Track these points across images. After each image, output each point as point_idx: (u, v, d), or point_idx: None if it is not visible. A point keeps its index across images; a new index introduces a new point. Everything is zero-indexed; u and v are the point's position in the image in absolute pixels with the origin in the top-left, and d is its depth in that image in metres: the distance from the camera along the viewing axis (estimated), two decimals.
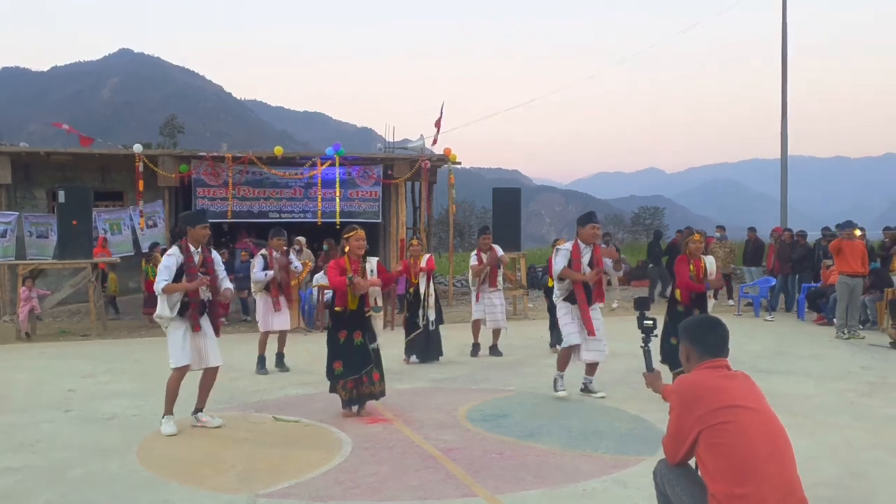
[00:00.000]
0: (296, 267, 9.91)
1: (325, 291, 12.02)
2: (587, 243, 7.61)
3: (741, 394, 3.23)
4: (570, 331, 7.56)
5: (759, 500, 2.99)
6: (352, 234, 7.09)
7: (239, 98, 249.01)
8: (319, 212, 17.23)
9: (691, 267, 7.91)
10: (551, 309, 7.94)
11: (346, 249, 7.09)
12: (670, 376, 7.22)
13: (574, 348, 7.59)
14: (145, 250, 16.02)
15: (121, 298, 16.72)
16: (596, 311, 7.72)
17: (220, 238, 19.35)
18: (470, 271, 10.71)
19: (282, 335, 9.53)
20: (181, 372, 6.47)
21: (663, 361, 7.58)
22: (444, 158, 17.86)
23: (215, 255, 6.77)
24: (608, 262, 8.03)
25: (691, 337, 3.47)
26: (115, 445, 6.08)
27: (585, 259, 7.56)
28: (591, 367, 7.77)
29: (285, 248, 9.92)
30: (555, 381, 7.69)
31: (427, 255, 10.27)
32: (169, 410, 6.44)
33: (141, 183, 16.24)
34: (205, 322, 6.57)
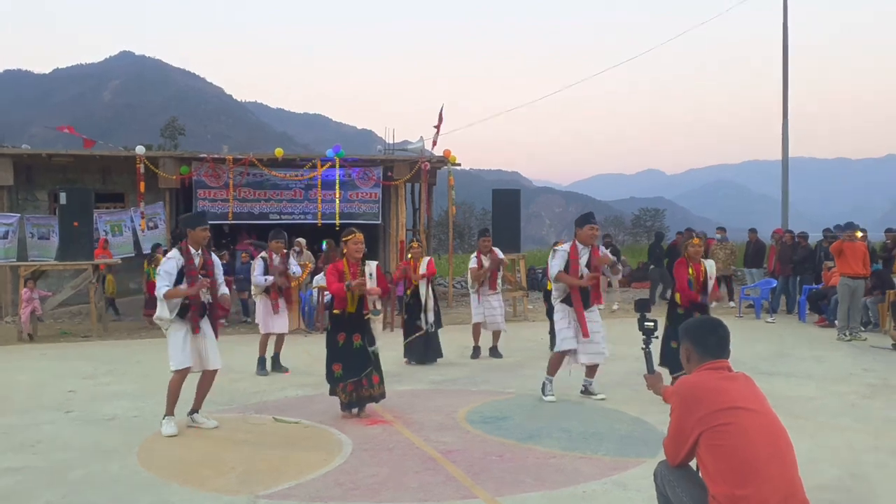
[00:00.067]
0: (294, 272, 9.89)
1: (325, 293, 12.03)
2: (585, 244, 7.58)
3: (742, 395, 3.22)
4: (565, 336, 7.53)
5: (760, 501, 2.99)
6: (350, 237, 7.09)
7: (239, 100, 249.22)
8: (319, 213, 17.24)
9: (690, 270, 7.90)
10: (550, 312, 7.93)
11: (345, 252, 7.10)
12: (670, 380, 7.21)
13: (569, 353, 7.57)
14: (146, 252, 16.02)
15: (122, 300, 16.72)
16: (594, 313, 7.68)
17: (221, 239, 19.36)
18: (469, 273, 10.71)
19: (279, 338, 9.54)
20: (182, 374, 6.47)
21: (663, 365, 7.55)
22: (444, 160, 17.86)
23: (215, 258, 6.78)
24: (605, 267, 7.99)
25: (692, 338, 3.47)
26: (116, 446, 6.08)
27: (583, 260, 7.53)
28: (591, 370, 7.75)
29: (285, 250, 9.92)
30: (543, 385, 7.67)
31: (427, 259, 10.28)
32: (170, 412, 6.45)
33: (142, 184, 16.25)
34: (205, 324, 6.58)
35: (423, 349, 9.98)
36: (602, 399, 7.60)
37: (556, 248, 8.01)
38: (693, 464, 3.31)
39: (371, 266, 7.13)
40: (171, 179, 16.57)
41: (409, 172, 17.75)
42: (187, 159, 16.93)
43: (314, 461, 5.60)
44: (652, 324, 4.38)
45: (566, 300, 7.58)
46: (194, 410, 6.69)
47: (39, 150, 17.48)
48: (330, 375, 6.98)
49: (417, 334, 9.98)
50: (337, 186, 17.18)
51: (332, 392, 7.05)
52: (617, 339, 10.28)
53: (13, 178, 16.32)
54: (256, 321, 9.75)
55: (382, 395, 7.05)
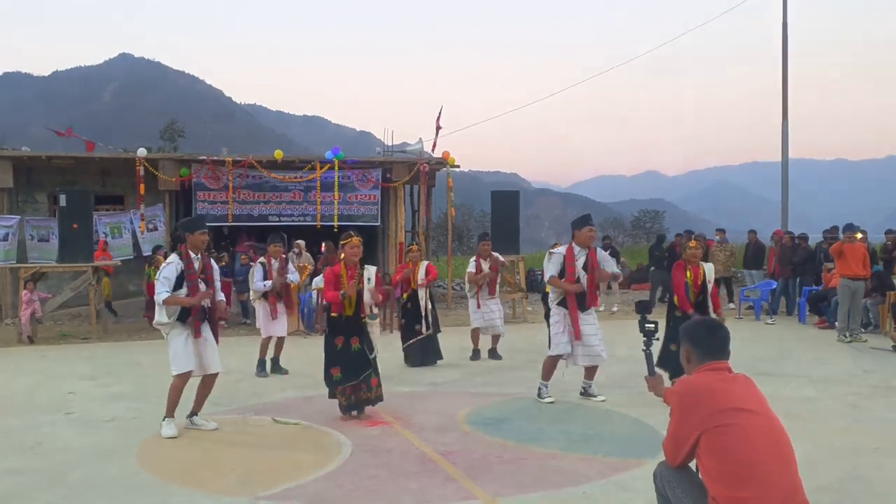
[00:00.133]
0: (291, 280, 9.86)
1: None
2: (583, 246, 7.56)
3: (742, 396, 3.22)
4: (559, 340, 7.51)
5: (760, 503, 2.99)
6: (347, 241, 7.09)
7: (239, 102, 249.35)
8: (319, 215, 17.24)
9: (688, 274, 7.87)
10: (548, 316, 7.93)
11: (342, 256, 7.10)
12: (669, 383, 7.20)
13: (564, 356, 7.56)
14: (146, 254, 16.02)
15: (121, 302, 16.72)
16: (591, 316, 7.66)
17: (220, 241, 19.36)
18: (466, 277, 10.72)
19: (279, 341, 9.54)
20: (184, 378, 6.47)
21: (662, 367, 7.53)
22: (443, 162, 17.86)
23: (213, 263, 6.79)
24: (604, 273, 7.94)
25: (692, 339, 3.46)
26: (116, 448, 6.08)
27: (580, 262, 7.51)
28: (590, 372, 7.74)
29: (284, 255, 9.92)
30: (539, 389, 7.66)
31: (425, 263, 10.28)
32: (170, 413, 6.44)
33: (142, 186, 16.23)
34: (205, 328, 6.58)
35: (422, 352, 9.98)
36: (602, 401, 7.59)
37: (552, 251, 7.99)
38: (693, 465, 3.31)
39: (370, 271, 7.11)
40: (171, 181, 16.56)
41: (408, 174, 17.75)
42: (187, 161, 16.93)
43: (314, 462, 5.60)
44: (653, 325, 4.38)
45: (562, 302, 7.56)
46: (193, 413, 6.69)
47: (39, 152, 17.46)
48: (329, 379, 6.98)
49: (416, 339, 9.98)
50: (336, 188, 17.18)
51: (332, 395, 7.05)
52: (616, 341, 10.27)
53: (13, 181, 16.31)
54: (257, 325, 9.75)
55: (380, 398, 7.04)
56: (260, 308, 9.58)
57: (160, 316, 6.37)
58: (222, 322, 9.55)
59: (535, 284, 19.55)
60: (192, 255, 6.48)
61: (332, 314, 7.01)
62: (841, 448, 5.90)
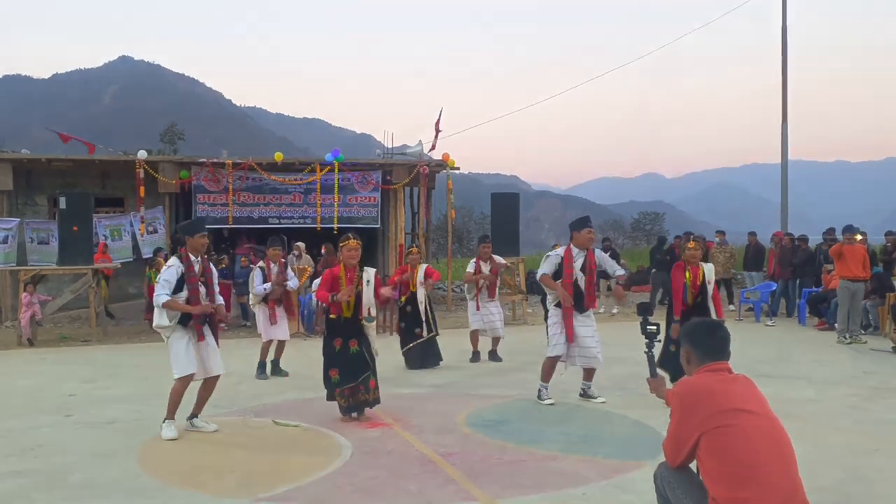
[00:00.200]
0: (291, 287, 9.85)
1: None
2: (582, 248, 7.55)
3: (742, 397, 3.22)
4: (557, 341, 7.50)
5: (760, 503, 2.99)
6: (344, 243, 7.10)
7: (238, 104, 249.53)
8: (319, 217, 17.26)
9: (687, 274, 7.85)
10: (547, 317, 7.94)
11: (341, 258, 7.12)
12: (670, 384, 7.20)
13: (562, 357, 7.55)
14: (146, 256, 16.03)
15: (121, 304, 16.71)
16: (589, 318, 7.66)
17: (220, 244, 19.37)
18: (464, 277, 10.72)
19: (280, 344, 9.54)
20: (185, 381, 6.47)
21: (662, 368, 7.53)
22: (443, 164, 17.88)
23: (212, 266, 6.80)
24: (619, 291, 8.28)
25: (692, 340, 3.46)
26: (116, 450, 6.08)
27: (578, 264, 7.50)
28: (588, 373, 7.73)
29: (283, 259, 9.93)
30: (539, 391, 7.65)
31: (424, 265, 10.27)
32: (170, 415, 6.44)
33: (142, 189, 16.26)
34: (206, 331, 6.58)
35: (422, 355, 9.98)
36: (602, 402, 7.59)
37: (550, 252, 7.99)
38: (693, 465, 3.31)
39: (369, 273, 7.11)
40: (171, 184, 16.58)
41: (408, 176, 17.76)
42: (187, 164, 16.95)
43: (314, 464, 5.60)
44: (654, 327, 4.38)
45: (560, 304, 7.55)
46: (194, 415, 6.69)
47: (39, 154, 17.49)
48: (327, 380, 6.97)
49: (416, 342, 9.97)
50: (336, 190, 17.20)
51: (330, 397, 7.05)
52: (616, 343, 10.28)
53: (13, 183, 16.34)
54: (258, 329, 9.75)
55: (377, 401, 7.02)
56: (260, 313, 9.59)
57: (160, 319, 6.36)
58: (222, 325, 9.56)
59: (535, 287, 19.53)
60: (192, 257, 6.49)
61: (331, 316, 7.01)
62: (841, 449, 5.90)
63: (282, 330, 9.51)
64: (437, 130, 18.41)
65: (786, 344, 12.09)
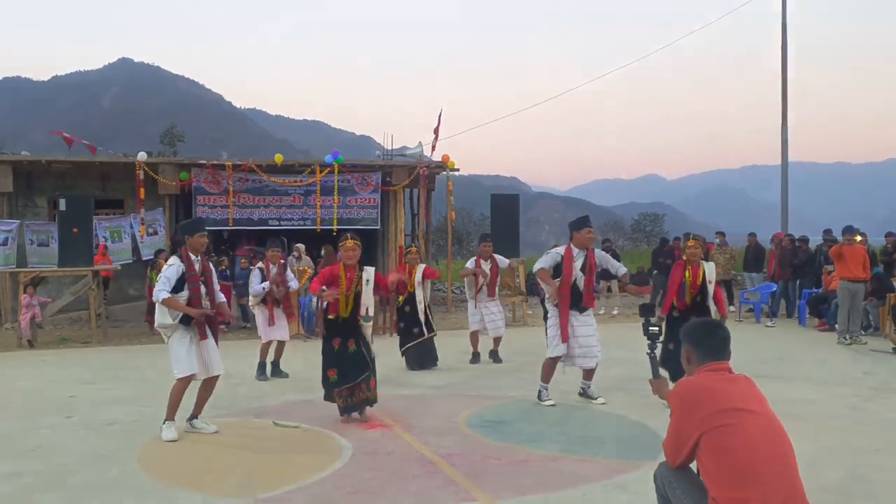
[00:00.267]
0: (291, 287, 9.85)
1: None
2: (582, 248, 7.55)
3: (743, 397, 3.21)
4: (557, 343, 7.49)
5: (760, 503, 2.98)
6: (342, 244, 7.11)
7: (238, 106, 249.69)
8: (318, 219, 17.26)
9: (687, 274, 7.80)
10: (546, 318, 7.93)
11: (340, 258, 7.14)
12: (670, 384, 7.20)
13: (563, 358, 7.54)
14: (146, 258, 16.03)
15: (121, 306, 16.71)
16: (589, 317, 7.65)
17: (220, 246, 19.37)
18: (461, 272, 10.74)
19: (280, 345, 9.55)
20: (186, 381, 6.47)
21: (662, 367, 7.52)
22: (443, 165, 17.88)
23: (211, 266, 6.80)
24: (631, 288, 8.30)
25: (692, 340, 3.46)
26: (116, 451, 6.08)
27: (578, 264, 7.48)
28: (588, 373, 7.71)
29: (282, 260, 9.92)
30: (539, 392, 7.64)
31: (423, 266, 10.27)
32: (170, 417, 6.44)
33: (141, 191, 16.26)
34: (208, 330, 6.58)
35: (420, 355, 9.98)
36: (602, 403, 7.58)
37: (550, 249, 7.97)
38: (694, 465, 3.30)
39: (369, 272, 7.11)
40: (171, 186, 16.58)
41: (408, 178, 17.76)
42: (187, 165, 16.96)
43: (314, 465, 5.59)
44: (657, 329, 4.39)
45: (559, 304, 7.53)
46: (194, 416, 6.68)
47: (39, 156, 17.49)
48: (325, 381, 6.97)
49: (414, 342, 9.97)
50: (336, 192, 17.20)
51: (328, 397, 7.04)
52: (617, 344, 10.28)
53: (13, 185, 16.33)
54: (259, 333, 9.75)
55: (375, 400, 7.01)
56: (259, 314, 9.60)
57: (163, 318, 6.36)
58: (222, 326, 9.56)
59: (534, 288, 19.54)
60: (192, 257, 6.49)
61: (329, 316, 7.01)
62: (841, 449, 5.90)
63: (280, 331, 9.52)
64: (437, 132, 18.41)
65: (786, 345, 12.09)
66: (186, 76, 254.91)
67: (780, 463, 3.07)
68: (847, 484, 5.05)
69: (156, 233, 16.88)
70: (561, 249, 7.60)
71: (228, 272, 15.09)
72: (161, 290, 6.27)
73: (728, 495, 3.03)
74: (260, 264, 9.76)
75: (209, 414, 6.91)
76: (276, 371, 9.45)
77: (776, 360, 10.43)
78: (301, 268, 13.91)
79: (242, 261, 15.27)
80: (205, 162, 16.84)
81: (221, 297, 6.85)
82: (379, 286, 7.19)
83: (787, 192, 22.08)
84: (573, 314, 7.50)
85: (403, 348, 10.07)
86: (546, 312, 7.82)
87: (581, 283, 7.51)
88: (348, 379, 6.84)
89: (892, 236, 15.23)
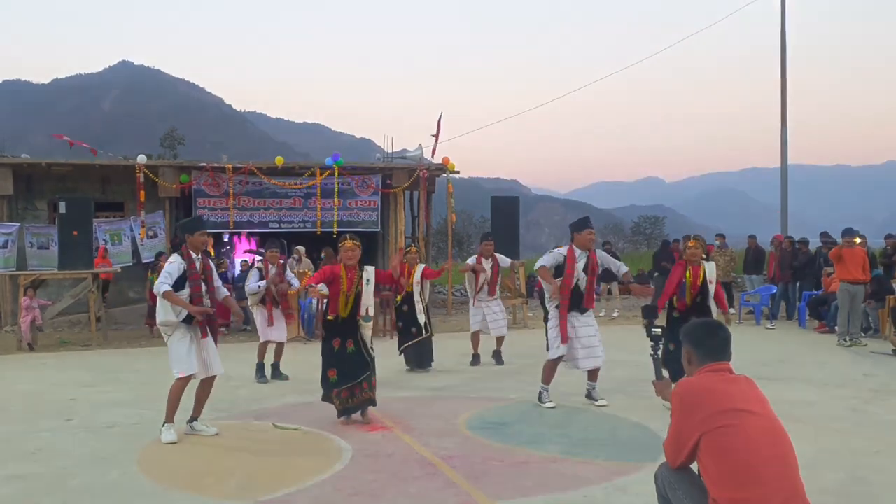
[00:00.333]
0: (291, 284, 9.86)
1: (324, 300, 12.03)
2: (583, 249, 7.54)
3: (744, 397, 3.21)
4: (557, 344, 7.48)
5: None
6: (341, 244, 7.13)
7: (239, 109, 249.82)
8: (319, 221, 17.26)
9: (688, 274, 7.79)
10: (546, 319, 7.92)
11: (340, 259, 7.15)
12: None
13: (565, 359, 7.54)
14: (146, 260, 16.03)
15: (121, 309, 16.71)
16: (590, 318, 7.65)
17: (220, 248, 19.38)
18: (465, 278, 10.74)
19: (279, 346, 9.55)
20: (186, 381, 6.47)
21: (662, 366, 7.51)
22: (443, 167, 17.89)
23: (212, 264, 6.81)
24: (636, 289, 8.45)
25: (693, 340, 3.46)
26: (116, 454, 6.08)
27: (580, 265, 7.47)
28: (592, 374, 7.70)
29: (281, 261, 9.93)
30: (539, 394, 7.64)
31: (422, 266, 10.27)
32: (170, 418, 6.43)
33: (142, 193, 16.28)
34: (208, 328, 6.59)
35: (419, 355, 9.98)
36: (604, 405, 7.56)
37: (553, 249, 7.96)
38: (694, 466, 3.30)
39: (369, 272, 7.12)
40: (171, 188, 16.60)
41: (408, 180, 17.77)
42: (187, 168, 16.97)
43: (314, 467, 5.59)
44: (660, 330, 4.39)
45: (559, 305, 7.53)
46: (193, 419, 6.68)
47: (39, 159, 17.51)
48: (325, 381, 6.97)
49: (412, 341, 9.96)
50: (336, 194, 17.20)
51: (326, 398, 7.04)
52: (617, 346, 10.27)
53: (13, 188, 16.34)
54: (258, 334, 9.75)
55: (373, 401, 7.02)
56: (257, 314, 9.62)
57: (167, 315, 6.35)
58: (222, 329, 9.57)
59: (535, 290, 19.55)
60: (193, 255, 6.50)
61: (329, 317, 7.02)
62: (841, 451, 5.90)
63: (279, 332, 9.52)
64: (437, 133, 18.43)
65: (786, 347, 12.09)
66: (187, 79, 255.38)
67: (780, 464, 3.07)
68: (847, 486, 5.05)
69: (156, 235, 16.89)
70: (563, 250, 7.58)
71: (229, 274, 15.09)
72: (162, 283, 6.28)
73: (728, 496, 3.02)
74: (259, 264, 9.77)
75: (209, 416, 6.91)
76: (276, 373, 9.45)
77: (776, 362, 10.43)
78: (301, 270, 13.91)
79: (243, 263, 15.27)
80: (205, 164, 16.85)
81: (225, 292, 6.87)
82: (381, 283, 7.19)
83: (786, 195, 22.09)
84: (574, 315, 7.50)
85: (401, 348, 10.07)
86: (546, 314, 7.81)
87: (583, 285, 7.52)
88: (348, 379, 6.84)
89: (892, 238, 15.23)
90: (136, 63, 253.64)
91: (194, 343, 6.45)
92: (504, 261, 10.70)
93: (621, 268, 8.00)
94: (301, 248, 15.18)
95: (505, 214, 16.78)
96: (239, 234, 18.82)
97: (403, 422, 7.02)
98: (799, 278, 15.64)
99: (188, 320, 6.39)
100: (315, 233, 17.33)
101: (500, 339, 10.52)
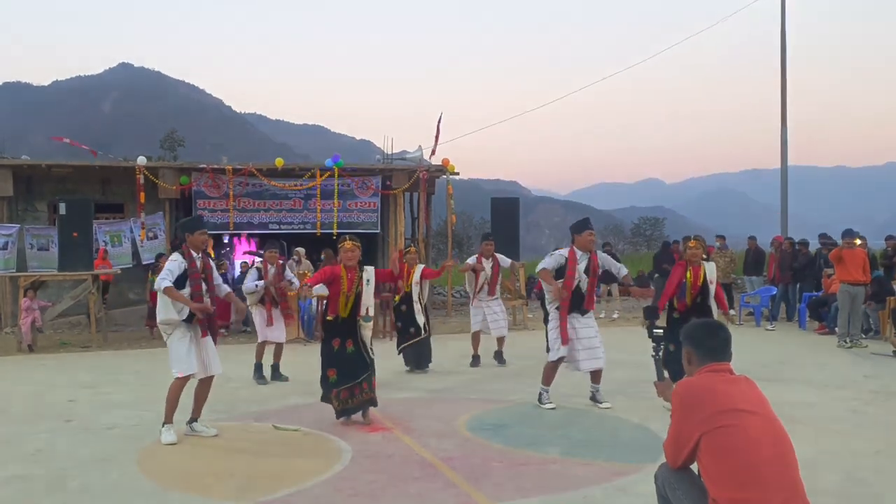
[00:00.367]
0: (291, 283, 9.86)
1: (324, 301, 12.03)
2: (584, 250, 7.54)
3: (744, 397, 3.21)
4: (557, 345, 7.48)
5: None
6: (340, 245, 7.14)
7: (239, 111, 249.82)
8: (318, 223, 17.26)
9: (688, 274, 7.79)
10: (546, 320, 7.92)
11: (340, 259, 7.16)
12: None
13: (565, 360, 7.53)
14: (146, 262, 16.04)
15: (121, 310, 16.71)
16: (590, 319, 7.65)
17: (220, 250, 19.38)
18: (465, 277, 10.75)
19: (277, 347, 9.54)
20: (185, 380, 6.47)
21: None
22: (443, 169, 17.89)
23: (212, 263, 6.81)
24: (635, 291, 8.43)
25: (693, 341, 3.46)
26: (116, 455, 6.08)
27: (582, 266, 7.47)
28: (595, 375, 7.69)
29: (280, 262, 9.93)
30: (540, 395, 7.64)
31: (421, 266, 10.27)
32: (169, 419, 6.43)
33: (142, 195, 16.28)
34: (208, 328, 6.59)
35: (417, 355, 9.98)
36: (607, 408, 7.53)
37: (553, 251, 7.97)
38: (694, 466, 3.30)
39: (369, 272, 7.13)
40: (171, 190, 16.59)
41: (408, 182, 17.77)
42: (187, 170, 16.97)
43: (314, 468, 5.59)
44: (661, 331, 4.40)
45: (560, 306, 7.52)
46: (193, 420, 6.68)
47: (39, 160, 17.51)
48: (324, 381, 6.97)
49: (410, 342, 9.96)
50: (336, 196, 17.20)
51: (325, 398, 7.04)
52: (617, 347, 10.27)
53: (13, 189, 16.35)
54: (257, 333, 9.75)
55: (373, 401, 7.03)
56: (257, 314, 9.63)
57: (169, 313, 6.35)
58: (222, 330, 9.58)
59: (534, 291, 19.54)
60: (193, 254, 6.50)
61: (328, 317, 7.02)
62: (841, 452, 5.90)
63: (278, 332, 9.52)
64: (437, 135, 18.43)
65: (786, 348, 12.09)
66: (187, 81, 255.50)
67: (780, 464, 3.07)
68: (847, 487, 5.05)
69: (156, 237, 16.90)
70: (565, 252, 7.58)
71: (228, 276, 15.09)
72: (163, 279, 6.28)
73: (729, 496, 3.02)
74: (258, 264, 9.77)
75: (209, 417, 6.91)
76: (276, 374, 9.45)
77: (776, 364, 10.43)
78: (301, 272, 13.91)
79: (242, 264, 15.28)
80: (205, 166, 16.85)
81: (227, 289, 6.89)
82: (382, 281, 7.19)
83: (786, 196, 22.08)
84: (575, 316, 7.49)
85: (400, 347, 10.07)
86: (546, 315, 7.81)
87: (584, 286, 7.51)
88: (348, 379, 6.84)
89: (892, 240, 15.23)
90: (136, 65, 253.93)
91: (194, 343, 6.45)
92: (504, 261, 10.69)
93: (621, 269, 8.00)
94: (301, 250, 15.18)
95: (505, 216, 16.78)
96: (239, 235, 18.82)
97: (403, 423, 7.02)
98: (799, 279, 15.63)
99: (189, 319, 6.39)
100: (315, 234, 17.33)
101: (500, 340, 10.51)
